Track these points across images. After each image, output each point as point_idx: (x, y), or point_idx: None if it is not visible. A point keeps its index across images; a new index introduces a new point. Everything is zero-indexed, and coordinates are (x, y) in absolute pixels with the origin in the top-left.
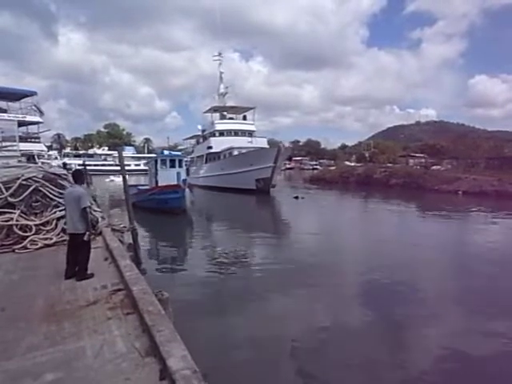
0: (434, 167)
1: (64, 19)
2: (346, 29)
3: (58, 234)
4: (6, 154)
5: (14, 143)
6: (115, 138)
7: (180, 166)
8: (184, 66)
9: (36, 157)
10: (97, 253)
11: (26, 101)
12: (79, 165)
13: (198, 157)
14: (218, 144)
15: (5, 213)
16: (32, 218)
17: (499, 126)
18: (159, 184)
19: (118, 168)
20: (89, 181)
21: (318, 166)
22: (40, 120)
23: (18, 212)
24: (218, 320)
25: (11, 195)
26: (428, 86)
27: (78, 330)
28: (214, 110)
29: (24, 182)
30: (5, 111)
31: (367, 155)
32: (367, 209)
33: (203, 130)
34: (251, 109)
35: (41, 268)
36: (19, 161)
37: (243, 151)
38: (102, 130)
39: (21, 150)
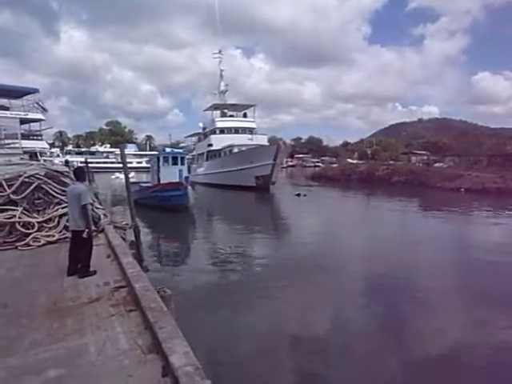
0: (437, 164)
1: (65, 17)
2: (348, 25)
3: (61, 231)
4: (9, 151)
5: (16, 141)
6: (117, 136)
7: (182, 164)
8: (186, 64)
9: (38, 154)
10: (99, 250)
11: (28, 98)
12: (81, 162)
13: (199, 154)
14: (218, 141)
15: (7, 210)
16: (34, 215)
17: (502, 123)
18: (161, 181)
19: (120, 165)
20: (91, 178)
21: (319, 164)
22: (42, 117)
23: (20, 209)
24: (220, 317)
25: (14, 192)
26: (430, 83)
27: (80, 327)
28: (215, 107)
29: (26, 180)
30: (7, 109)
31: (369, 152)
32: (369, 206)
33: (204, 128)
34: (251, 106)
35: (43, 265)
36: (21, 158)
37: (243, 148)
38: (104, 127)
39: (23, 148)
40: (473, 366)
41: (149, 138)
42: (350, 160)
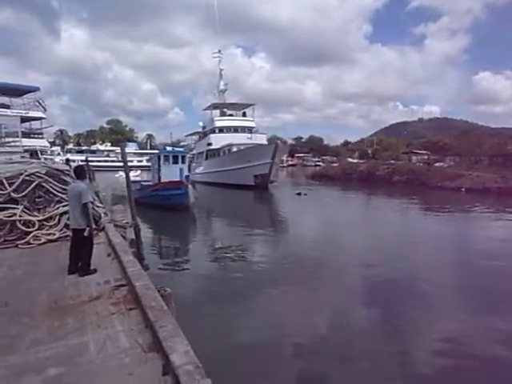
0: (437, 164)
1: (66, 15)
2: (349, 24)
3: (61, 230)
4: (9, 149)
5: (17, 139)
6: (118, 134)
7: (183, 162)
8: (186, 62)
9: (39, 153)
10: (99, 248)
11: (29, 96)
12: (82, 161)
13: (198, 153)
14: (217, 140)
15: (8, 208)
16: (35, 213)
17: (503, 123)
18: (162, 180)
19: (121, 164)
20: (91, 177)
21: (320, 163)
22: (43, 116)
23: (21, 207)
24: (221, 315)
25: (14, 191)
26: (432, 83)
27: (81, 325)
28: (214, 106)
29: (27, 178)
30: (8, 107)
31: (370, 152)
32: (369, 206)
33: (204, 127)
34: (251, 105)
35: (44, 263)
36: (22, 156)
37: (242, 148)
38: (105, 126)
39: (24, 146)
40: (473, 366)
41: (149, 136)
42: (350, 159)
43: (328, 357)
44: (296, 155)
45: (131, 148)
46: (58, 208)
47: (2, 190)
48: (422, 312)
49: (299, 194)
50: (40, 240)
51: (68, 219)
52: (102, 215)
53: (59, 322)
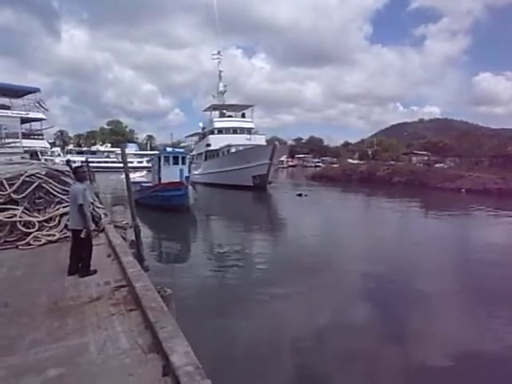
0: (437, 165)
1: (66, 16)
2: (350, 25)
3: (61, 231)
4: (10, 150)
5: (17, 140)
6: (118, 135)
7: (183, 163)
8: (187, 63)
9: (39, 153)
10: (99, 249)
11: (29, 97)
12: (82, 162)
13: (198, 154)
14: (216, 141)
15: (8, 209)
16: (35, 214)
17: (503, 124)
18: (162, 181)
19: (121, 165)
20: (92, 177)
21: (320, 164)
22: (43, 117)
23: (21, 208)
24: (221, 316)
25: (14, 192)
26: (432, 84)
27: (81, 326)
28: (214, 108)
29: (27, 179)
30: (8, 108)
31: (370, 153)
32: (370, 206)
33: (203, 128)
34: (250, 106)
35: (44, 264)
36: (22, 157)
37: (241, 148)
38: (105, 126)
39: (24, 147)
40: (473, 366)
41: (150, 137)
42: (350, 160)
43: (327, 357)
44: (296, 156)
45: (131, 149)
46: (58, 209)
47: (2, 191)
48: (422, 313)
49: (300, 194)
50: (40, 241)
51: (68, 220)
52: (102, 216)
53: (59, 323)
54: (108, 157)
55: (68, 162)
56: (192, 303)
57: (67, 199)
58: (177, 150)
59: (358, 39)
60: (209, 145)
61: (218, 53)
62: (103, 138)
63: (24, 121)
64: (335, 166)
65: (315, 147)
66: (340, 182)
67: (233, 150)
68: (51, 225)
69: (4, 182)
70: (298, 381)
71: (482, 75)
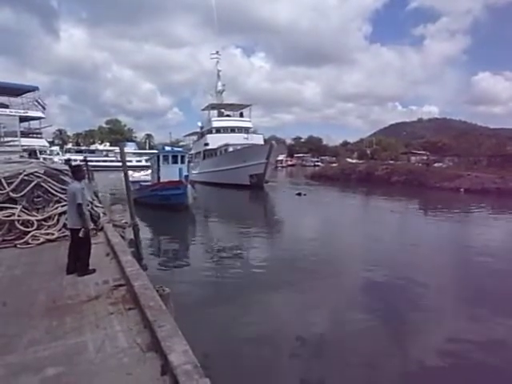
0: (436, 164)
1: (65, 15)
2: (349, 25)
3: (60, 230)
4: (8, 149)
5: (16, 138)
6: (117, 134)
7: (182, 162)
8: (186, 62)
9: (38, 152)
10: (98, 248)
11: (28, 96)
12: (81, 160)
13: (196, 153)
14: (214, 141)
15: (7, 208)
16: (34, 213)
17: (502, 124)
18: (161, 180)
19: (120, 164)
20: (90, 176)
21: (319, 163)
22: (42, 115)
23: (19, 207)
24: (219, 315)
25: (13, 190)
26: (431, 83)
27: (79, 325)
28: (212, 107)
29: (26, 178)
30: (7, 106)
31: (369, 152)
32: (368, 206)
33: (202, 127)
34: (248, 106)
35: (42, 263)
36: (21, 156)
37: (238, 148)
38: (104, 125)
39: (22, 146)
40: (473, 366)
41: (148, 136)
42: (349, 159)
43: (327, 357)
44: (295, 155)
45: (130, 148)
46: (56, 208)
47: (1, 190)
48: (421, 313)
49: (299, 194)
50: (39, 240)
51: (66, 219)
52: (101, 215)
53: (58, 322)
54: (107, 156)
55: (68, 161)
56: (190, 302)
57: (66, 198)
58: (176, 149)
59: (357, 39)
60: (207, 144)
61: (217, 52)
62: (102, 136)
63: (23, 119)
64: (334, 165)
65: (314, 146)
66: (339, 182)
67: (230, 149)
68: (50, 224)
69: (2, 180)
70: (298, 380)
71: (480, 75)
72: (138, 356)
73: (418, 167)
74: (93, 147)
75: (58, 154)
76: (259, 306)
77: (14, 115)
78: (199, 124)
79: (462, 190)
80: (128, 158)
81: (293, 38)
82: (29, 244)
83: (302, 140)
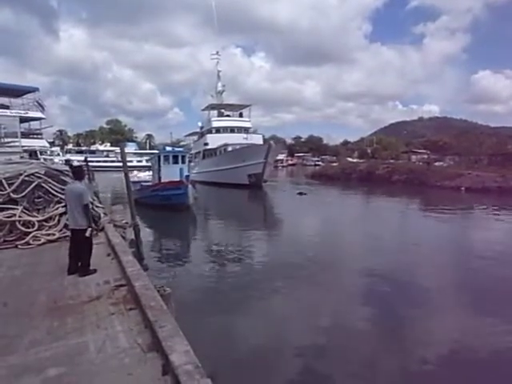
0: (437, 163)
1: (65, 15)
2: (349, 24)
3: (61, 230)
4: (9, 150)
5: (16, 139)
6: (117, 134)
7: (183, 162)
8: (186, 62)
9: (38, 153)
10: (99, 248)
11: (28, 97)
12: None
13: (196, 153)
14: (214, 140)
15: (7, 209)
16: (34, 213)
17: (502, 122)
18: (162, 180)
19: (120, 164)
20: (91, 177)
21: (320, 162)
22: (42, 116)
23: (20, 208)
24: (221, 315)
25: (14, 191)
26: (431, 82)
27: (80, 326)
28: (212, 107)
29: (26, 178)
30: (7, 107)
31: (369, 151)
32: (369, 205)
33: (202, 127)
34: (247, 106)
35: (43, 264)
36: (21, 157)
37: (237, 147)
38: (104, 126)
39: (23, 146)
40: (472, 366)
41: (149, 136)
42: (350, 159)
43: (327, 357)
44: (296, 155)
45: (131, 148)
46: (57, 208)
47: (2, 191)
48: (422, 313)
49: (301, 193)
50: (39, 240)
51: (67, 219)
52: (102, 215)
53: (59, 322)
54: (107, 156)
55: (68, 162)
56: (191, 302)
57: (65, 198)
58: (176, 149)
59: (357, 38)
60: (206, 144)
61: (217, 53)
62: (102, 137)
63: (23, 120)
64: (335, 164)
65: (315, 146)
66: (339, 181)
67: (229, 148)
68: (50, 224)
69: (3, 181)
70: (298, 380)
71: (481, 73)
72: (139, 356)
73: (418, 166)
74: (93, 148)
75: (58, 154)
76: (260, 306)
77: (15, 116)
78: (199, 124)
79: (462, 188)
80: (129, 159)
81: (293, 37)
82: (30, 244)
83: (303, 139)
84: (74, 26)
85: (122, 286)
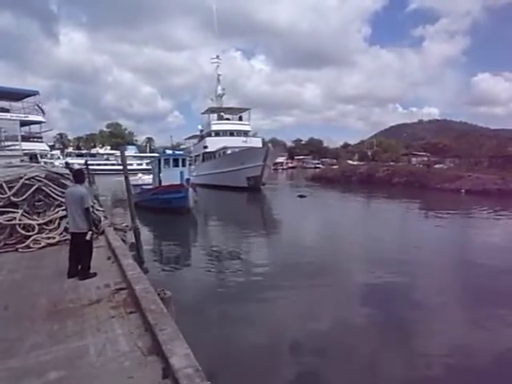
0: (437, 166)
1: (65, 19)
2: (349, 27)
3: (61, 234)
4: (9, 153)
5: (17, 143)
6: (117, 138)
7: (183, 165)
8: (186, 65)
9: (38, 156)
10: (99, 252)
11: (29, 100)
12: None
13: (196, 156)
14: (213, 144)
15: (8, 212)
16: (35, 217)
17: (502, 125)
18: (162, 183)
19: (121, 167)
20: (91, 180)
21: (320, 165)
22: (42, 119)
23: (20, 211)
24: (221, 318)
25: (14, 195)
26: (431, 84)
27: (81, 329)
28: (211, 110)
29: (27, 182)
30: (7, 111)
31: (370, 154)
32: (369, 208)
33: (202, 130)
34: (246, 110)
35: (44, 267)
36: (22, 160)
37: (236, 150)
38: (105, 129)
39: (23, 150)
40: (473, 367)
41: (149, 140)
42: (350, 161)
43: (328, 360)
44: (296, 157)
45: (131, 151)
46: (57, 212)
47: (2, 194)
48: (423, 315)
49: (301, 196)
50: (40, 244)
51: (67, 223)
52: (102, 219)
53: (59, 326)
54: (107, 159)
55: (67, 165)
56: (192, 305)
57: (65, 202)
58: (177, 152)
59: (356, 41)
60: (206, 147)
61: (217, 57)
62: (103, 140)
63: (23, 123)
64: (335, 167)
65: (315, 148)
66: (340, 184)
67: (229, 151)
68: (51, 227)
69: (3, 184)
70: (299, 382)
71: (480, 76)
72: (139, 359)
73: (418, 168)
74: (94, 151)
75: (58, 157)
76: (261, 309)
77: (15, 119)
78: (199, 127)
79: (462, 191)
80: (129, 162)
81: (292, 40)
82: (30, 248)
83: (303, 142)
84: (74, 30)
85: (122, 289)
